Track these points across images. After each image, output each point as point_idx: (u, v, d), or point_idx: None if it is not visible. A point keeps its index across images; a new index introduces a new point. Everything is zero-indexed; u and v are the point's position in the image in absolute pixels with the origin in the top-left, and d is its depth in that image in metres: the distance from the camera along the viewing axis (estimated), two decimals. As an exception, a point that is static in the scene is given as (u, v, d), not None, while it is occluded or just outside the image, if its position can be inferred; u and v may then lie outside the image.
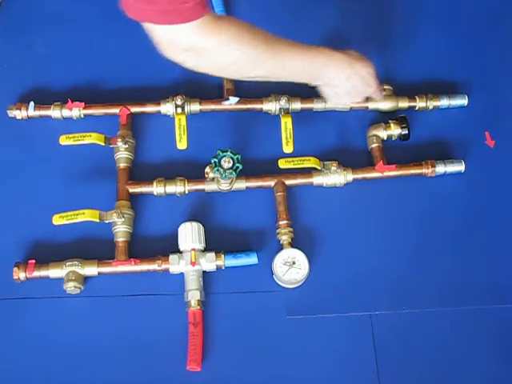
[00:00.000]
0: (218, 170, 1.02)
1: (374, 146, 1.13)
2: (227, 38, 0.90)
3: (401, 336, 1.03)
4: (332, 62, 1.03)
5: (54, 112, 1.13)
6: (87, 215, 1.02)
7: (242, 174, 1.07)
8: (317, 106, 1.15)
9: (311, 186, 1.11)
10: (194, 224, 1.04)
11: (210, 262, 1.02)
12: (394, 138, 1.14)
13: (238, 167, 1.02)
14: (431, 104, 1.17)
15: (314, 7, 1.29)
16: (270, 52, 0.96)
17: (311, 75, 1.05)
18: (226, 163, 1.02)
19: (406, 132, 1.13)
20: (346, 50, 1.06)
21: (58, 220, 1.02)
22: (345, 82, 1.06)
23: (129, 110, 1.14)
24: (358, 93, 1.09)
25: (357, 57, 1.06)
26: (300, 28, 1.26)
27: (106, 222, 1.03)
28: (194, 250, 1.02)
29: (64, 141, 1.09)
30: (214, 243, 1.05)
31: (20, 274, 1.00)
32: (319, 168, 1.09)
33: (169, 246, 1.04)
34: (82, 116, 1.14)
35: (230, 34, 0.90)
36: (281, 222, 1.06)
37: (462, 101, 1.18)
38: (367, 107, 1.17)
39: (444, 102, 1.17)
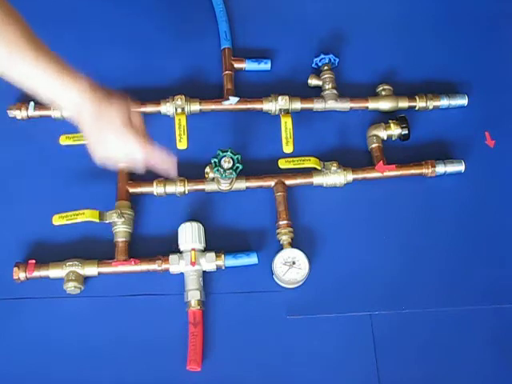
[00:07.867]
0: (218, 170, 1.02)
1: (373, 145, 1.13)
2: None
3: (401, 336, 1.03)
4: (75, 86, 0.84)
5: (54, 112, 1.12)
6: (87, 215, 1.02)
7: (242, 174, 1.07)
8: (317, 106, 1.15)
9: (311, 186, 1.10)
10: (194, 224, 1.04)
11: (209, 262, 1.02)
12: (394, 138, 1.14)
13: (237, 167, 1.02)
14: (431, 104, 1.17)
15: (312, 3, 1.29)
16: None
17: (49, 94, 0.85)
18: (226, 163, 1.02)
19: (406, 132, 1.13)
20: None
21: (58, 220, 1.02)
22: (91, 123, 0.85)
23: (129, 109, 1.13)
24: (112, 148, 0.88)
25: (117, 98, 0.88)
26: (298, 26, 1.26)
27: (106, 222, 1.03)
28: (194, 249, 1.02)
29: (64, 141, 1.09)
30: (214, 243, 1.05)
31: (20, 274, 1.00)
32: (319, 168, 1.09)
33: (169, 246, 1.04)
34: (82, 116, 1.13)
35: None
36: (281, 222, 1.06)
37: (462, 101, 1.18)
38: (367, 107, 1.17)
39: (444, 102, 1.17)
